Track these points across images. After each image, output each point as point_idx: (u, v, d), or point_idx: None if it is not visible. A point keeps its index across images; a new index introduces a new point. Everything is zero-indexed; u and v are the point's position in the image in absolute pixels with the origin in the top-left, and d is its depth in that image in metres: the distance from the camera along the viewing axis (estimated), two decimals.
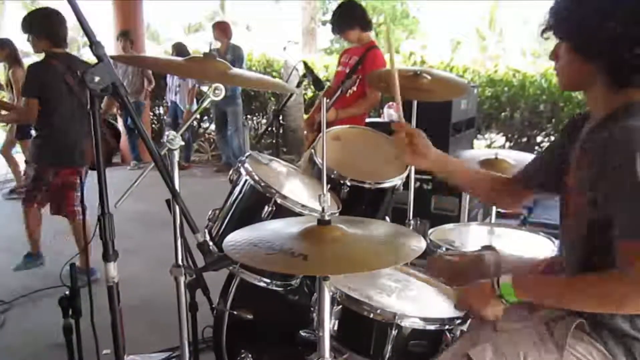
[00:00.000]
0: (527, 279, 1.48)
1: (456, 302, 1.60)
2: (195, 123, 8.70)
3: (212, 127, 8.42)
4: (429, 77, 2.42)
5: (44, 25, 3.38)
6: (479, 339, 1.47)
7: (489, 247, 2.07)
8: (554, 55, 1.45)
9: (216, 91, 1.72)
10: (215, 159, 8.33)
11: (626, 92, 1.34)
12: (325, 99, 1.59)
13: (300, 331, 1.89)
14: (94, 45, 1.24)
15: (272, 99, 8.06)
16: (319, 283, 1.35)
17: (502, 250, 2.02)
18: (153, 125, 9.07)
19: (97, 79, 1.25)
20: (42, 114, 3.38)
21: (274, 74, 8.47)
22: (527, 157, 2.52)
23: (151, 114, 8.91)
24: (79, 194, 3.60)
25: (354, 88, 3.24)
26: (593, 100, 1.45)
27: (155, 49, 16.83)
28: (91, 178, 1.36)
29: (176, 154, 1.70)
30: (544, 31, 1.44)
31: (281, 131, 5.15)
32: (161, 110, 9.16)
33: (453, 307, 1.61)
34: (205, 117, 8.86)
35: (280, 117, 5.36)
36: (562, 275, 1.55)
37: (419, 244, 1.33)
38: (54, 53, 3.37)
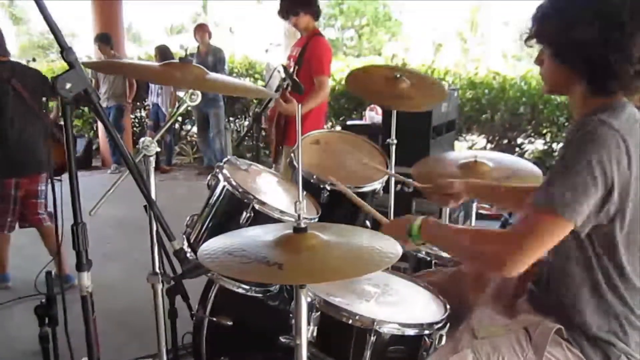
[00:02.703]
0: (433, 226, 1.55)
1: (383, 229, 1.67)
2: (177, 126, 8.62)
3: (194, 129, 8.35)
4: (408, 82, 2.43)
5: None
6: (459, 346, 1.48)
7: None
8: (539, 60, 1.47)
9: (192, 96, 1.70)
10: (197, 161, 8.27)
11: (604, 96, 1.36)
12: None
13: (281, 337, 1.87)
14: (65, 51, 1.22)
15: (255, 101, 8.02)
16: (295, 291, 1.33)
17: None
18: (134, 128, 8.97)
19: (68, 85, 1.22)
20: None
21: (256, 76, 8.43)
22: (506, 159, 2.55)
23: (132, 116, 8.82)
24: (43, 200, 3.52)
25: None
26: (573, 103, 1.47)
27: (136, 50, 16.64)
28: (67, 183, 1.34)
29: (152, 160, 1.68)
30: (527, 39, 1.45)
31: (263, 134, 5.12)
32: (142, 113, 9.07)
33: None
34: (187, 120, 8.78)
35: (262, 120, 5.33)
36: None
37: (396, 251, 1.33)
38: None
